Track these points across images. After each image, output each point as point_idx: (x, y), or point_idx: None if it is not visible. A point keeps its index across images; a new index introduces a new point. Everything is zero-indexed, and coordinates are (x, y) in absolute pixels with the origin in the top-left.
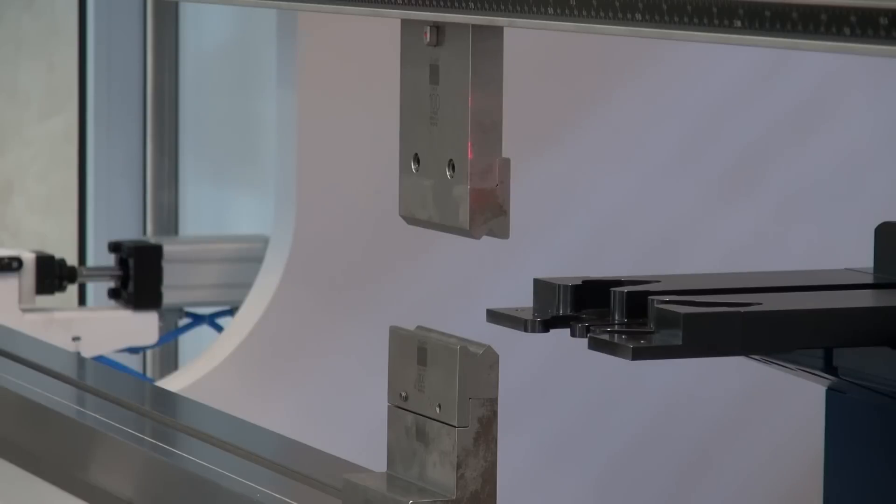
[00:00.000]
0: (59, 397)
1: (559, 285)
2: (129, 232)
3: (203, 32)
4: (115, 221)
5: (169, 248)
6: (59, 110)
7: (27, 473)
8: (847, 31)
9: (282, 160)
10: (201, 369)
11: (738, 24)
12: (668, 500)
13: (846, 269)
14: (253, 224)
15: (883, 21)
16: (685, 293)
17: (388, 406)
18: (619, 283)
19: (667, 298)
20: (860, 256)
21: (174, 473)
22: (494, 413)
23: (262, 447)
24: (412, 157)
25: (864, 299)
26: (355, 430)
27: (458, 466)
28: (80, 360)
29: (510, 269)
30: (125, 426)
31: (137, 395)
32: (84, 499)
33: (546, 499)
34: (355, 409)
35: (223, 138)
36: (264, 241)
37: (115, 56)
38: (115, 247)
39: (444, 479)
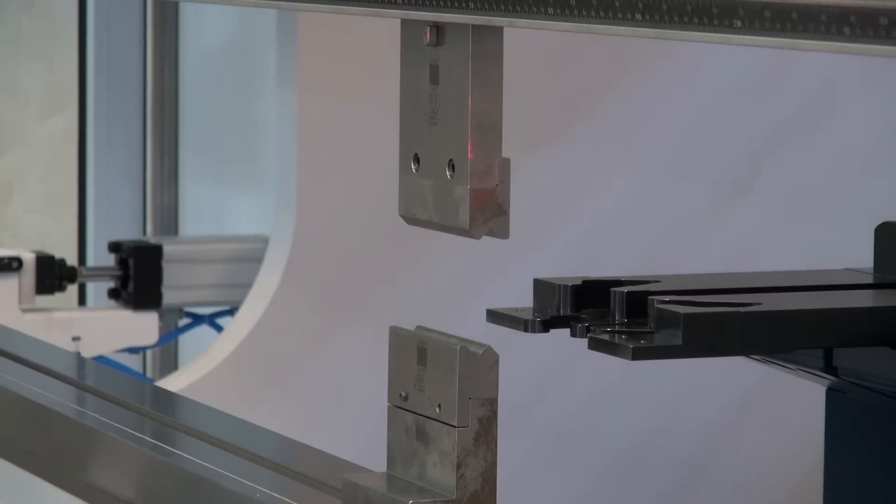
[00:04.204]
0: (59, 397)
1: (559, 285)
2: (129, 232)
3: (203, 32)
4: (115, 221)
5: (169, 248)
6: (59, 110)
7: (27, 473)
8: (847, 31)
9: (282, 160)
10: (201, 369)
11: (738, 24)
12: (667, 499)
13: (846, 269)
14: (253, 224)
15: (883, 21)
16: (685, 293)
17: (388, 406)
18: (619, 283)
19: (667, 298)
20: (860, 256)
21: (174, 473)
22: (494, 413)
23: (262, 447)
24: (412, 157)
25: (864, 299)
26: (355, 430)
27: (458, 466)
28: (80, 360)
29: (510, 269)
30: (125, 426)
31: (137, 395)
32: (84, 499)
33: (546, 499)
34: (355, 409)
35: (223, 138)
36: (264, 241)
37: (115, 56)
38: (115, 247)
39: (444, 479)
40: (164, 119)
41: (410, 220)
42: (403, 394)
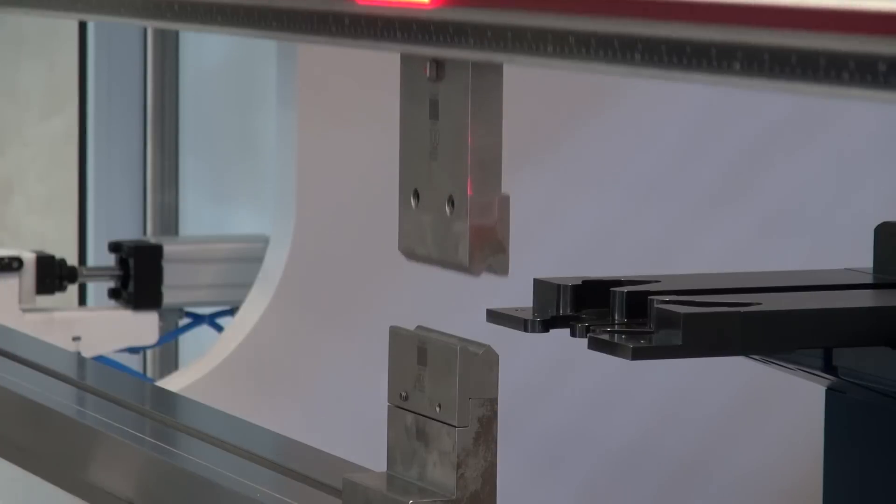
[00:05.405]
0: (59, 397)
1: (559, 285)
2: (129, 232)
3: (203, 34)
4: (115, 221)
5: (169, 248)
6: (59, 110)
7: (27, 473)
8: (846, 76)
9: (282, 160)
10: (201, 369)
11: (737, 66)
12: (667, 499)
13: (846, 269)
14: (253, 224)
15: (881, 67)
16: (685, 293)
17: (388, 406)
18: (619, 283)
19: (667, 298)
20: (860, 256)
21: (174, 473)
22: (494, 413)
23: (262, 447)
24: (412, 192)
25: (864, 299)
26: (355, 430)
27: (458, 466)
28: (80, 360)
29: (510, 270)
30: (125, 426)
31: (137, 395)
32: (84, 499)
33: (546, 499)
34: (355, 409)
35: (223, 138)
36: (264, 241)
37: (115, 56)
38: (115, 247)
39: (444, 479)
40: (165, 119)
41: (410, 255)
42: (403, 394)
